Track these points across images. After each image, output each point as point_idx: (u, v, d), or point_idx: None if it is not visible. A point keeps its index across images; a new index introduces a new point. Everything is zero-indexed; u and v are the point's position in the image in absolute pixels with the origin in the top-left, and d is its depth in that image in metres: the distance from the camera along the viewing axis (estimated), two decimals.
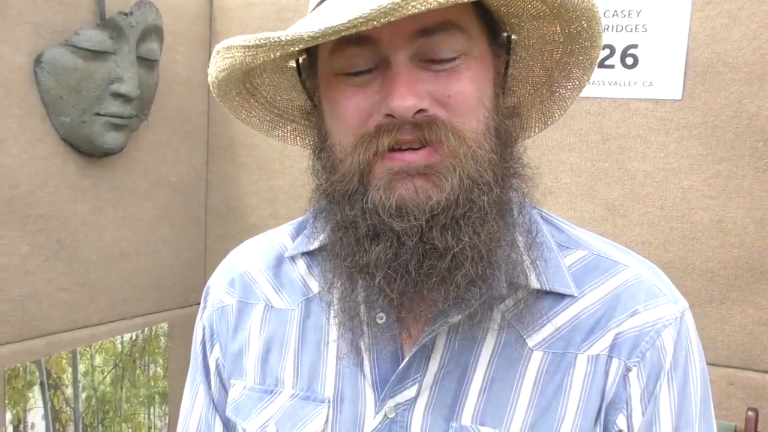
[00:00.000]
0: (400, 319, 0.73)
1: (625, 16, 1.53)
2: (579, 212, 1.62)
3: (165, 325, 1.78)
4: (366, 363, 0.74)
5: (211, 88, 0.72)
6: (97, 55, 1.46)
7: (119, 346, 1.64)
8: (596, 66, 0.76)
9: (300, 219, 0.86)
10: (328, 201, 0.70)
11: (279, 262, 0.83)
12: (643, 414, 0.71)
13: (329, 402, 0.75)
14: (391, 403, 0.72)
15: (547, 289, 0.72)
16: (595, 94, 1.58)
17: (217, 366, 0.85)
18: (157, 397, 1.76)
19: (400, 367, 0.72)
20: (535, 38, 0.73)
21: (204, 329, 0.86)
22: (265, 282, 0.83)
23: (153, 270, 1.77)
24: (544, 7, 0.68)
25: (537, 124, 0.82)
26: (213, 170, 1.97)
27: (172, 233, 1.83)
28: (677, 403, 0.72)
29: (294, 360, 0.78)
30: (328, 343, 0.76)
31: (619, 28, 1.53)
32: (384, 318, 0.72)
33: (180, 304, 1.86)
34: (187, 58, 1.83)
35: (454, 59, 0.66)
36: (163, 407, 1.78)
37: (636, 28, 1.52)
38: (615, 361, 0.71)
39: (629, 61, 1.54)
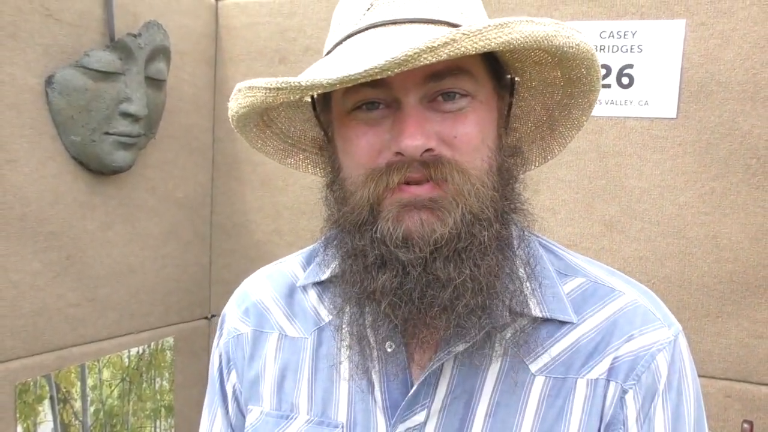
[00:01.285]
0: (408, 346, 0.77)
1: (620, 37, 1.57)
2: (577, 228, 1.66)
3: (171, 339, 1.81)
4: (377, 389, 0.77)
5: (230, 121, 0.76)
6: (107, 75, 1.50)
7: (126, 360, 1.67)
8: (595, 106, 0.80)
9: (310, 248, 0.90)
10: (339, 230, 0.74)
11: (291, 292, 0.87)
12: None
13: (343, 427, 0.78)
14: (401, 428, 0.75)
15: (548, 316, 0.76)
16: (592, 113, 1.62)
17: (234, 392, 0.88)
18: (163, 410, 1.79)
19: (410, 393, 0.75)
20: (537, 81, 0.78)
21: (221, 356, 0.90)
22: (279, 311, 0.86)
23: (159, 285, 1.80)
24: (546, 55, 0.73)
25: (537, 159, 0.87)
26: (218, 186, 2.01)
27: (179, 249, 1.86)
28: (671, 422, 0.74)
29: (308, 386, 0.82)
30: (340, 370, 0.80)
31: (615, 49, 1.57)
32: (393, 346, 0.76)
33: (185, 318, 1.89)
34: (193, 77, 1.87)
35: (461, 102, 0.70)
36: (169, 420, 1.81)
37: (631, 49, 1.56)
38: (612, 384, 0.74)
39: (625, 80, 1.58)
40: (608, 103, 1.60)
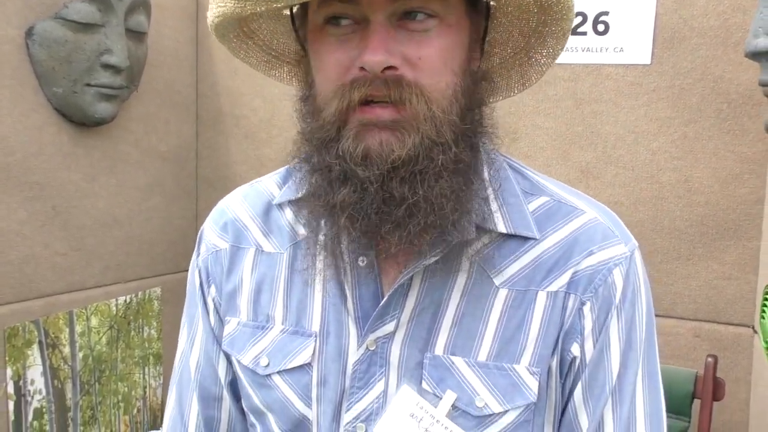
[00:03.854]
0: (380, 262, 0.80)
1: None
2: (554, 174, 1.68)
3: (158, 290, 1.85)
4: (349, 300, 0.81)
5: (210, 30, 0.79)
6: (87, 27, 1.51)
7: (114, 308, 1.71)
8: (569, 36, 0.81)
9: (286, 167, 0.92)
10: (309, 146, 0.77)
11: (267, 210, 0.90)
12: (595, 344, 0.78)
13: (316, 336, 0.82)
14: (371, 337, 0.79)
15: (512, 232, 0.79)
16: (568, 61, 1.64)
17: (214, 304, 0.91)
18: (151, 358, 1.83)
19: (380, 305, 0.79)
20: (513, 6, 0.79)
21: (200, 272, 0.93)
22: (255, 228, 0.90)
23: (145, 236, 1.83)
24: None
25: (516, 86, 0.88)
26: (202, 140, 2.03)
27: (164, 201, 1.89)
28: (625, 333, 0.78)
29: (283, 298, 0.85)
30: (314, 282, 0.83)
31: None
32: (365, 261, 0.79)
33: (172, 269, 1.93)
34: (174, 31, 1.88)
35: (428, 23, 0.72)
36: (158, 368, 1.86)
37: None
38: (572, 297, 0.78)
39: (600, 27, 1.59)
40: (584, 50, 1.62)
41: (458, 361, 0.78)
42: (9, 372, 1.45)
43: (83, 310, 1.63)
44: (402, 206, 0.71)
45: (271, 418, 0.85)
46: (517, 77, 0.88)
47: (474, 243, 0.79)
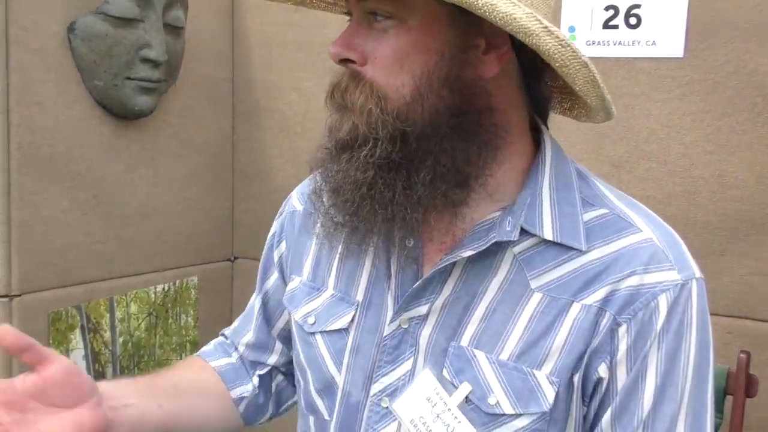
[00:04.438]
0: (428, 247, 0.85)
1: None
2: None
3: (195, 279, 1.90)
4: (392, 277, 0.86)
5: None
6: (126, 22, 1.56)
7: (152, 296, 1.77)
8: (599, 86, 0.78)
9: None
10: None
11: None
12: (629, 371, 0.76)
13: (358, 305, 0.88)
14: (405, 315, 0.83)
15: (558, 241, 0.79)
16: (599, 54, 1.63)
17: (281, 259, 1.03)
18: (188, 345, 1.89)
19: (414, 286, 0.83)
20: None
21: (276, 229, 1.04)
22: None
23: (183, 227, 1.88)
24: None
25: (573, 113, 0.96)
26: (238, 133, 2.08)
27: (201, 193, 1.94)
28: (664, 366, 0.75)
29: (337, 267, 0.93)
30: (366, 256, 0.90)
31: None
32: (412, 242, 0.83)
33: (208, 259, 1.98)
34: (211, 25, 1.93)
35: (385, 23, 0.76)
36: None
37: None
38: (606, 314, 0.76)
39: (633, 21, 1.59)
40: (616, 44, 1.61)
41: (480, 356, 0.79)
42: None
43: (123, 297, 1.69)
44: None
45: (309, 376, 0.92)
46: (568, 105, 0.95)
47: (519, 244, 0.80)
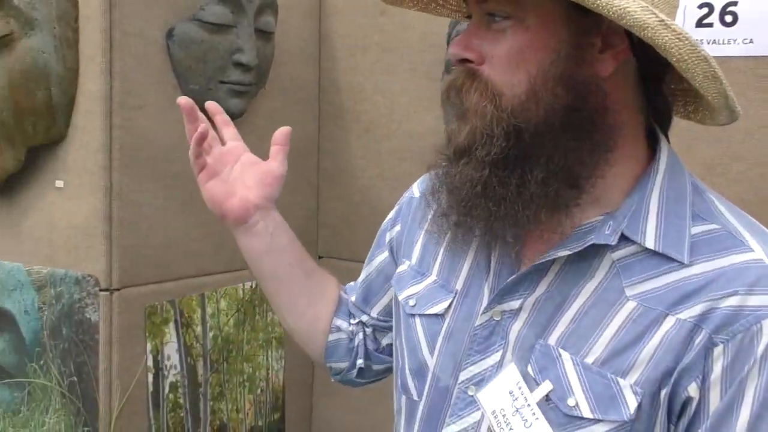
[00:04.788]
0: (528, 244, 0.86)
1: None
2: None
3: None
4: (491, 270, 0.89)
5: None
6: (220, 28, 1.62)
7: (241, 292, 1.83)
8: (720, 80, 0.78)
9: None
10: None
11: None
12: (722, 394, 0.73)
13: (456, 293, 0.91)
14: (498, 308, 0.85)
15: (659, 251, 0.78)
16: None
17: (391, 241, 1.09)
18: (274, 341, 1.94)
19: (509, 279, 0.84)
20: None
21: (393, 213, 1.11)
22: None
23: None
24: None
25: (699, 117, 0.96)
26: (324, 135, 2.12)
27: (287, 193, 1.97)
28: (763, 394, 0.72)
29: (442, 256, 0.96)
30: (469, 248, 0.93)
31: None
32: (512, 238, 0.85)
33: None
34: (298, 30, 1.97)
35: (502, 23, 0.77)
36: (279, 351, 1.96)
37: None
38: (702, 332, 0.73)
39: (728, 18, 1.54)
40: (711, 42, 1.57)
41: (565, 356, 0.79)
42: (149, 346, 1.58)
43: (214, 293, 1.75)
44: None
45: (406, 356, 0.96)
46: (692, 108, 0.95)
47: (619, 250, 0.80)
